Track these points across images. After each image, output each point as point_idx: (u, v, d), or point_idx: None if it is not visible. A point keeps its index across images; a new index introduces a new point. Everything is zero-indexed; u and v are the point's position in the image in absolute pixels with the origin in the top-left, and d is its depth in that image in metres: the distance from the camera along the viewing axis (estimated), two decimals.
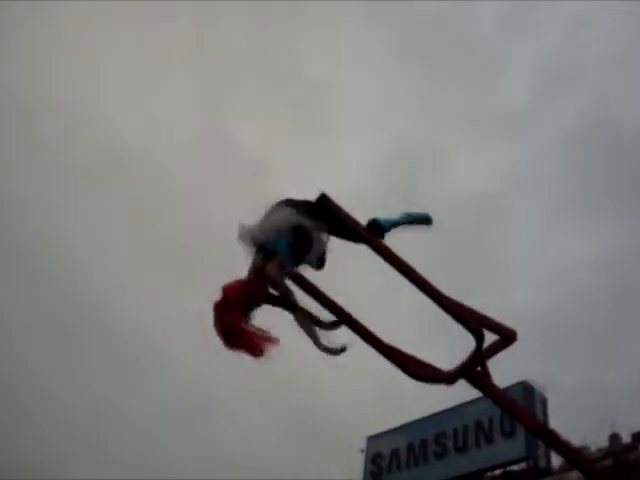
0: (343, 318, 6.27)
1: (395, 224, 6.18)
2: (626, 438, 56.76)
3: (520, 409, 5.99)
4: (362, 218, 6.10)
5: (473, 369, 6.19)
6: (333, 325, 6.01)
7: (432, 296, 5.92)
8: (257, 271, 5.43)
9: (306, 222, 5.67)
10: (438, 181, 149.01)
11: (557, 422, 66.08)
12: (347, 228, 6.07)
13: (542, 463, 60.00)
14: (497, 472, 61.59)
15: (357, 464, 70.30)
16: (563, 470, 57.82)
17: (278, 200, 5.72)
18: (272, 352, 5.66)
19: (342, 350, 5.79)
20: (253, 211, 5.64)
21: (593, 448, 58.41)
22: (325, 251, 5.97)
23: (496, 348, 6.17)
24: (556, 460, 60.53)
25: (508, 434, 61.95)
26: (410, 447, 68.46)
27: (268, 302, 5.61)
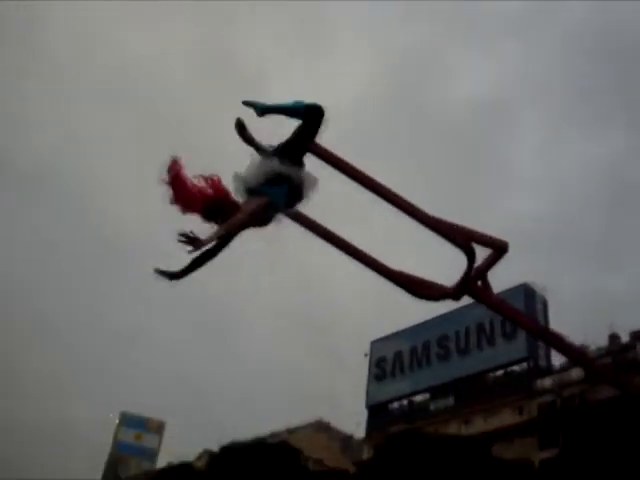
0: (345, 249, 6.21)
1: (268, 109, 6.14)
2: (625, 338, 57.74)
3: (523, 317, 6.08)
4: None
5: (472, 284, 6.07)
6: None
7: (419, 219, 5.74)
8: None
9: (290, 171, 5.72)
10: (444, 86, 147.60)
11: (558, 323, 67.08)
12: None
13: (543, 363, 61.38)
14: (499, 373, 63.12)
15: (363, 368, 72.01)
16: (563, 369, 59.15)
17: (261, 150, 5.88)
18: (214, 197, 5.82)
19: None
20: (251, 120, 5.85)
21: (593, 347, 59.41)
22: (312, 187, 5.93)
23: (490, 261, 6.06)
24: (557, 360, 62.16)
25: (509, 335, 63.34)
26: (413, 350, 70.23)
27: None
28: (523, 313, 5.24)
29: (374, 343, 72.37)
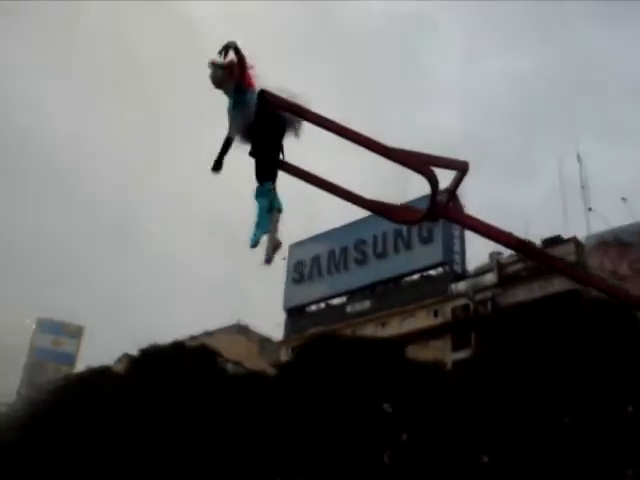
0: (325, 187, 6.55)
1: None
2: (537, 244, 59.36)
3: (498, 232, 6.28)
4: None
5: (441, 207, 6.36)
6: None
7: (377, 150, 6.00)
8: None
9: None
10: None
11: (473, 235, 68.61)
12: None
13: (458, 268, 63.19)
14: (415, 277, 64.39)
15: (280, 271, 72.47)
16: (477, 274, 60.73)
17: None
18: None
19: None
20: None
21: (506, 253, 61.08)
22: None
23: (456, 182, 6.40)
24: (471, 265, 63.76)
25: (426, 240, 64.55)
26: (331, 254, 71.22)
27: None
28: (498, 228, 5.45)
29: (292, 246, 72.44)
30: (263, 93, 6.18)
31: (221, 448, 33.18)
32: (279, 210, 6.45)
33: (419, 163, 6.10)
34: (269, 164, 6.37)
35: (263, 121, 6.25)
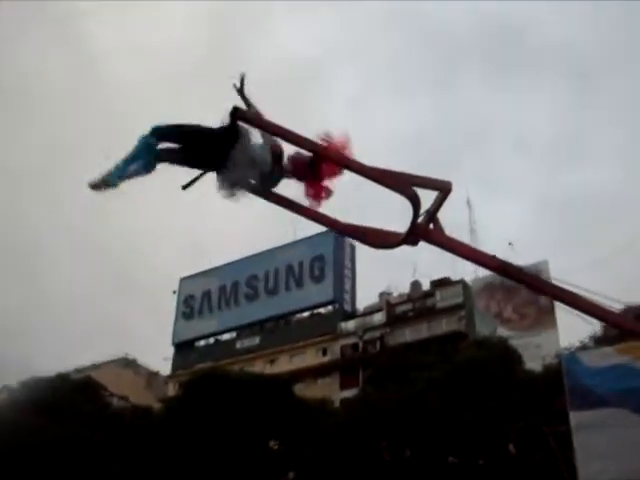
0: (297, 210, 6.26)
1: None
2: (426, 285, 60.62)
3: (481, 254, 6.19)
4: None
5: (422, 229, 6.14)
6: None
7: (359, 171, 5.82)
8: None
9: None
10: (261, 41, 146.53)
11: (364, 268, 69.41)
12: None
13: (348, 307, 63.75)
14: (305, 314, 64.60)
15: (170, 305, 71.47)
16: (366, 313, 61.47)
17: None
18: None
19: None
20: None
21: (395, 293, 62.16)
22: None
23: (438, 203, 6.15)
24: (361, 304, 64.50)
25: (317, 279, 65.27)
26: (222, 289, 70.62)
27: None
28: (480, 251, 5.36)
29: (183, 280, 71.91)
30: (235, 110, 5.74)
31: None
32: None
33: (400, 182, 5.94)
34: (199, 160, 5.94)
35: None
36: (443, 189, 6.16)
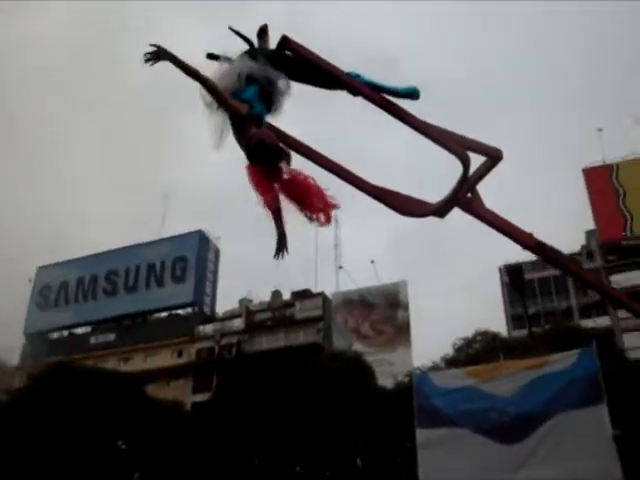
0: (322, 163, 5.79)
1: (377, 86, 5.59)
2: (286, 295, 61.39)
3: (519, 231, 5.69)
4: None
5: (463, 195, 5.78)
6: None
7: (416, 126, 5.50)
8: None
9: (264, 71, 5.46)
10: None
11: (226, 273, 69.57)
12: (316, 72, 5.58)
13: (207, 310, 63.86)
14: (164, 314, 64.19)
15: (24, 293, 69.16)
16: (226, 318, 61.55)
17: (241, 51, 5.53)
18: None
19: None
20: None
21: (256, 301, 62.61)
22: (283, 98, 5.56)
23: (484, 170, 5.81)
24: (220, 308, 64.49)
25: (178, 279, 64.73)
26: (80, 281, 69.27)
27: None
28: (519, 227, 4.96)
29: (41, 269, 69.96)
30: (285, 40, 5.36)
31: None
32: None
33: (454, 143, 5.65)
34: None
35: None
36: (493, 156, 5.91)
